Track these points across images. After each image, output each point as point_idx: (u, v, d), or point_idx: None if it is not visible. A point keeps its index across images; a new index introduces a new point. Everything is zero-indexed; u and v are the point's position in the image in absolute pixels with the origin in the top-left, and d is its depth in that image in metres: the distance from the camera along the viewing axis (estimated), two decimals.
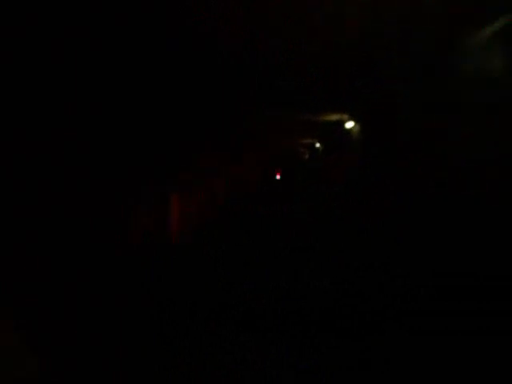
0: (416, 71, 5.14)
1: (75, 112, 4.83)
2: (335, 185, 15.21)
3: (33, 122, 4.10)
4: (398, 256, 5.95)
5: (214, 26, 3.63)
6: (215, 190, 16.58)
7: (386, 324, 4.61)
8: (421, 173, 5.42)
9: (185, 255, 9.57)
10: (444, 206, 4.67)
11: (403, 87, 5.70)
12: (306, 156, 20.00)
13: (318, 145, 15.80)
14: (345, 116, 8.60)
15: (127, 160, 7.91)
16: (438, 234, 4.84)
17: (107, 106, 5.53)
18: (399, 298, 5.10)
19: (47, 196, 4.20)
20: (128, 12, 3.23)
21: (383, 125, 6.90)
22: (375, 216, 7.89)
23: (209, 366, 4.18)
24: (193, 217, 12.54)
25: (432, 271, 4.83)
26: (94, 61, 4.12)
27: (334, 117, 8.67)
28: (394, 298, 5.15)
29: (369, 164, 8.13)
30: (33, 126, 4.10)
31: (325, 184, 19.78)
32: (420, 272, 5.09)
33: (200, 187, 13.70)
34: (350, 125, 9.17)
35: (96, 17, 3.27)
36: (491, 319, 3.42)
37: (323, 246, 8.92)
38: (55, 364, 3.74)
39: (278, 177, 26.93)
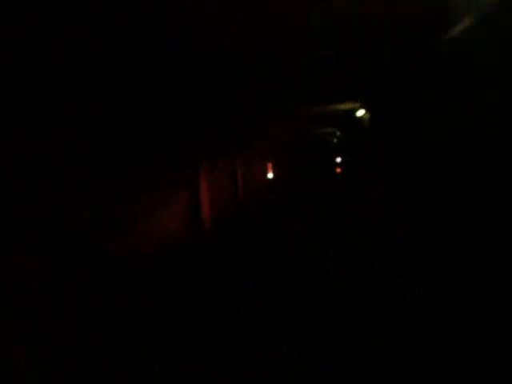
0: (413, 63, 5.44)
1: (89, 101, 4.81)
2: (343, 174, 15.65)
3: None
4: (398, 256, 5.95)
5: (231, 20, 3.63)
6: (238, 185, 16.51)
7: (386, 324, 4.60)
8: (419, 166, 5.42)
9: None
10: (444, 205, 4.67)
11: (403, 77, 6.10)
12: (334, 140, 21.04)
13: (338, 133, 17.10)
14: (356, 105, 9.51)
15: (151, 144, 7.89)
16: (439, 233, 4.84)
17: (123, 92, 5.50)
18: (399, 297, 5.10)
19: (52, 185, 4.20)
20: (128, 12, 3.23)
21: (389, 113, 7.33)
22: (375, 214, 7.89)
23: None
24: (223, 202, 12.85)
25: (432, 271, 4.82)
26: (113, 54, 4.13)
27: (348, 106, 9.66)
28: (394, 298, 5.15)
29: (374, 155, 8.52)
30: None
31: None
32: (420, 272, 5.09)
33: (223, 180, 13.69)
34: (360, 113, 10.07)
35: (96, 16, 3.27)
36: (491, 319, 3.42)
37: (324, 245, 8.92)
38: (55, 364, 3.74)
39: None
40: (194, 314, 5.52)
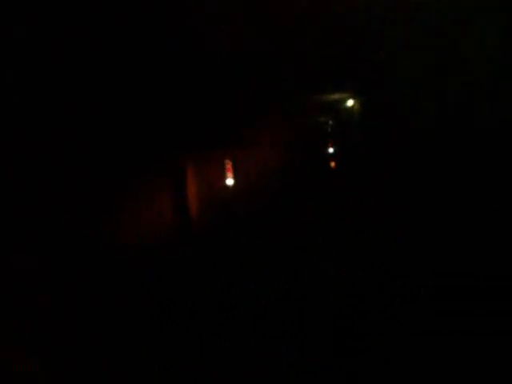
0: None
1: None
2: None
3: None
4: (398, 256, 5.95)
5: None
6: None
7: (386, 324, 4.60)
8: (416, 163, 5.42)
9: None
10: (444, 205, 4.67)
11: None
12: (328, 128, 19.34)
13: (330, 122, 16.23)
14: (344, 95, 9.62)
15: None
16: (439, 233, 4.83)
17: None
18: (399, 297, 5.10)
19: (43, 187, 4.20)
20: (128, 12, 3.23)
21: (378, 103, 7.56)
22: (374, 213, 7.88)
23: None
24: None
25: (432, 271, 4.82)
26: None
27: (338, 96, 9.77)
28: (394, 298, 5.14)
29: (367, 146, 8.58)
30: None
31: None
32: (420, 272, 5.08)
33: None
34: (350, 103, 10.27)
35: (96, 16, 3.27)
36: (491, 319, 3.42)
37: (323, 245, 8.92)
38: (55, 364, 3.74)
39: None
40: (195, 314, 5.52)
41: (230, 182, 11.77)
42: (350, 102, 10.13)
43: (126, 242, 6.06)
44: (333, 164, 17.41)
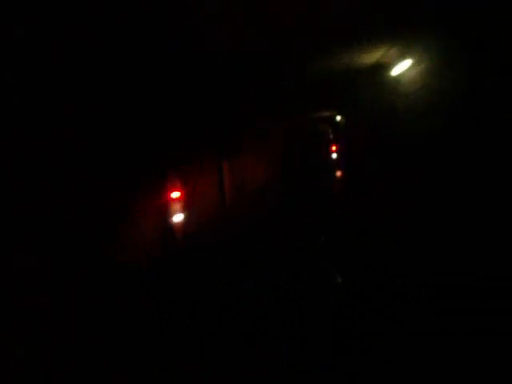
0: None
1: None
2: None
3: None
4: (398, 256, 5.95)
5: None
6: None
7: (386, 324, 4.60)
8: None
9: None
10: (444, 205, 4.67)
11: None
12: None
13: (338, 117, 12.68)
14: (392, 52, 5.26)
15: None
16: (439, 233, 4.84)
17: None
18: (399, 297, 5.10)
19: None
20: (128, 12, 3.24)
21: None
22: (375, 214, 7.89)
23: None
24: None
25: (432, 271, 4.82)
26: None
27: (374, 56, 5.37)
28: (394, 298, 5.14)
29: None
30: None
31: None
32: (420, 272, 5.08)
33: None
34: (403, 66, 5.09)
35: (97, 16, 3.27)
36: (491, 319, 3.42)
37: (324, 245, 8.92)
38: (55, 364, 3.74)
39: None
40: (195, 314, 5.52)
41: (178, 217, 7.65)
42: (405, 65, 5.10)
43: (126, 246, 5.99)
44: (339, 173, 15.14)
